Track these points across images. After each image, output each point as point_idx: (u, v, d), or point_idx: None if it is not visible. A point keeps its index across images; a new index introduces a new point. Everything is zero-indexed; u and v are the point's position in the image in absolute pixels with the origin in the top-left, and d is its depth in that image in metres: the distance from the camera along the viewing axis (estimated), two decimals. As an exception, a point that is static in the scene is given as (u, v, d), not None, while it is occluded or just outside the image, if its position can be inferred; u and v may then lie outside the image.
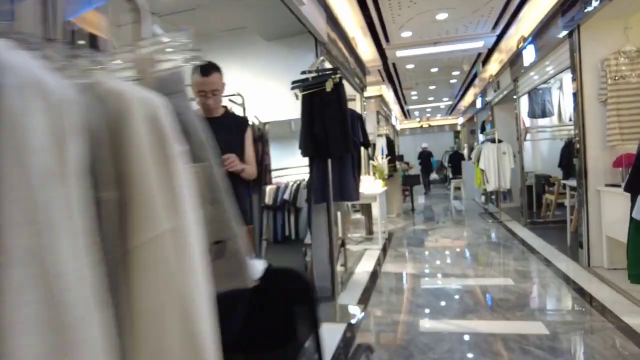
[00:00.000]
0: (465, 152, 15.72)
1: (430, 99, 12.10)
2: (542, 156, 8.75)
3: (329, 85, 3.01)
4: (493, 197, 8.63)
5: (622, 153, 3.79)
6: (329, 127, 3.15)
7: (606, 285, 3.65)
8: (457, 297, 3.64)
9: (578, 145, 4.22)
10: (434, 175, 18.85)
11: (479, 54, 7.50)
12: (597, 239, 4.09)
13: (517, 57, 6.17)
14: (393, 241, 6.38)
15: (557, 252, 4.95)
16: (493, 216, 7.95)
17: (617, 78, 3.91)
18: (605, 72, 3.94)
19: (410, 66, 8.22)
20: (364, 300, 3.70)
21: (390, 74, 8.53)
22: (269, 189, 4.10)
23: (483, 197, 8.49)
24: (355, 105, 7.14)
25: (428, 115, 17.60)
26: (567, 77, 6.66)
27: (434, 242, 6.17)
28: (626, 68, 3.90)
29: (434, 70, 8.80)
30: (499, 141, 7.51)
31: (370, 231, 6.79)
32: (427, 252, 5.49)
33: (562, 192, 6.28)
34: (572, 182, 4.94)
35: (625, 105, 3.89)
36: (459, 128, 18.97)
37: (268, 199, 3.99)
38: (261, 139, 4.09)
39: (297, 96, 3.16)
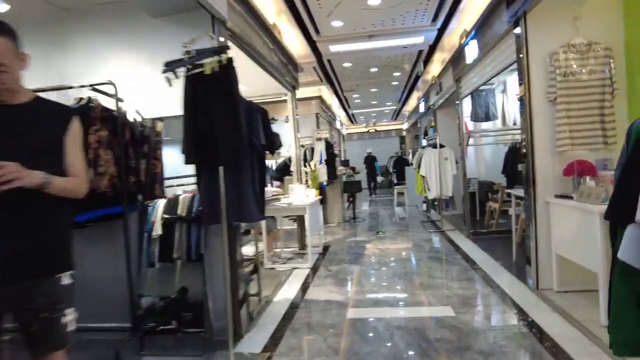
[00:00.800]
0: (409, 157, 15.49)
1: (374, 102, 11.63)
2: (485, 162, 8.45)
3: (208, 67, 2.21)
4: (435, 204, 8.20)
5: (574, 159, 3.30)
6: (217, 123, 2.35)
7: (558, 314, 3.11)
8: (387, 335, 2.95)
9: (525, 150, 3.71)
10: (379, 179, 18.58)
11: (420, 52, 7.02)
12: (546, 258, 3.58)
13: (459, 54, 5.69)
14: (327, 256, 5.67)
15: (502, 269, 4.45)
16: (435, 225, 7.50)
17: (566, 74, 3.43)
18: (554, 67, 3.45)
19: (347, 64, 7.61)
20: (273, 344, 2.92)
21: (328, 72, 7.88)
22: (162, 202, 3.22)
23: (424, 205, 8.03)
24: (286, 107, 6.39)
25: (374, 119, 17.26)
26: (511, 78, 6.40)
27: (370, 257, 5.52)
28: (576, 63, 3.43)
29: (374, 70, 8.26)
30: (441, 146, 7.07)
31: (303, 245, 6.04)
32: (361, 271, 4.82)
33: (506, 199, 5.89)
34: (518, 191, 4.47)
35: (576, 106, 3.42)
36: (404, 133, 18.83)
37: (166, 212, 3.11)
38: (146, 140, 3.21)
39: (169, 82, 2.33)
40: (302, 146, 8.24)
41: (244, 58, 3.95)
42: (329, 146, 8.10)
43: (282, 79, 5.34)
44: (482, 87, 6.24)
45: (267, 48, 4.54)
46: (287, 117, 6.39)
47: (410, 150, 16.40)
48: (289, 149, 6.47)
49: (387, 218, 9.18)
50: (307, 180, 6.39)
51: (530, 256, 3.71)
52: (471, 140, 6.51)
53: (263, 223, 5.15)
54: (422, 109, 10.59)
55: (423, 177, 7.15)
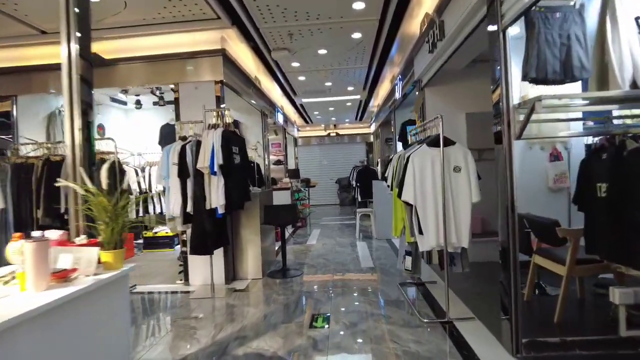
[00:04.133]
0: (378, 168, 11.90)
1: (328, 84, 7.96)
2: (529, 175, 4.90)
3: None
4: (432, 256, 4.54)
5: None
6: None
7: None
8: None
9: None
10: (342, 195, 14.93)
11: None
12: None
13: None
14: None
15: None
16: (430, 301, 3.85)
17: None
18: None
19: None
20: None
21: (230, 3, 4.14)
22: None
23: (406, 260, 4.22)
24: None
25: (334, 119, 13.64)
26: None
27: None
28: None
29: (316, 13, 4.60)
30: (448, 143, 3.43)
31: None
32: None
33: (588, 259, 2.33)
34: None
35: None
36: (371, 139, 15.35)
37: None
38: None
39: None
40: (185, 138, 4.45)
41: None
42: (230, 139, 4.32)
43: None
44: (554, 3, 2.67)
45: None
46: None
47: (379, 160, 12.90)
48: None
49: (342, 268, 5.44)
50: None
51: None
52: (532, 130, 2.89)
53: None
54: (397, 94, 7.02)
55: (408, 205, 3.47)
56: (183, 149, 4.34)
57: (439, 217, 3.35)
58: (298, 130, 14.16)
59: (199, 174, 4.26)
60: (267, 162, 8.00)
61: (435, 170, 3.38)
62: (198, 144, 4.34)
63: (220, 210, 4.24)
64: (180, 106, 4.97)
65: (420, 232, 3.40)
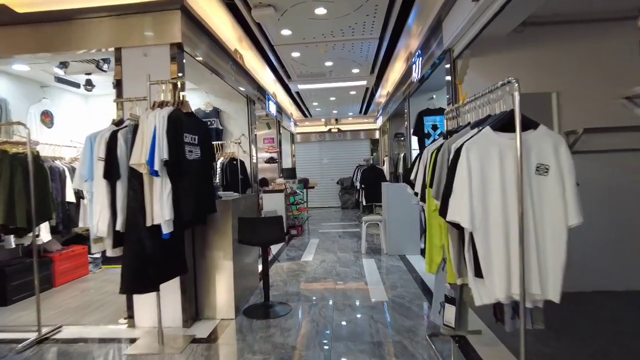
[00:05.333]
0: (385, 167, 10.51)
1: (328, 64, 6.56)
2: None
3: None
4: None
5: None
6: None
7: None
8: None
9: None
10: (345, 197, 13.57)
11: None
12: None
13: None
14: None
15: None
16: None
17: None
18: None
19: None
20: None
21: None
22: None
23: (446, 310, 2.78)
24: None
25: (335, 112, 12.23)
26: None
27: None
28: None
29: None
30: (529, 125, 2.04)
31: None
32: None
33: None
34: None
35: None
36: (376, 135, 13.96)
37: None
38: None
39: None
40: (121, 122, 3.09)
41: None
42: (183, 123, 2.94)
43: None
44: None
45: None
46: None
47: (386, 159, 11.50)
48: None
49: (345, 303, 4.07)
50: None
51: None
52: None
53: None
54: (415, 74, 5.63)
55: (457, 228, 2.09)
56: (113, 137, 2.97)
57: (512, 251, 1.97)
58: (296, 125, 12.78)
59: (135, 174, 2.89)
60: (254, 160, 6.63)
61: (505, 170, 2.00)
62: (136, 129, 2.97)
63: (166, 229, 2.87)
64: (124, 80, 3.60)
65: (478, 274, 2.02)
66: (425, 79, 5.52)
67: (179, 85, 3.33)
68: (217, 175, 5.95)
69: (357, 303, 3.97)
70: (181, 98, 3.22)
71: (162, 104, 3.12)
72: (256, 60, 6.20)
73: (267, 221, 3.74)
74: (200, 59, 4.07)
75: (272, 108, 8.00)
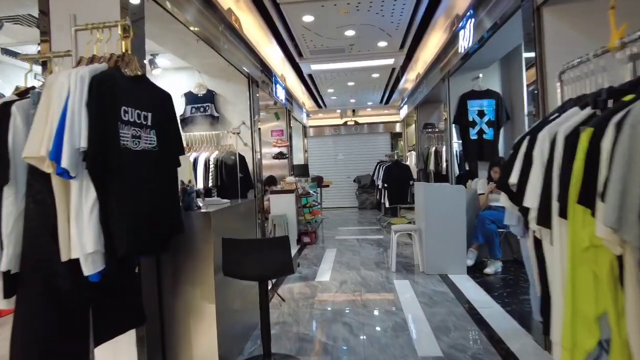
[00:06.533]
0: (411, 163, 9.20)
1: (349, 33, 5.24)
2: None
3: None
4: None
5: None
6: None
7: None
8: None
9: None
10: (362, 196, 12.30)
11: None
12: None
13: None
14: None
15: None
16: None
17: None
18: None
19: None
20: None
21: None
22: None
23: None
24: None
25: (352, 102, 10.94)
26: None
27: None
28: None
29: None
30: None
31: None
32: None
33: None
34: None
35: None
36: (397, 128, 12.65)
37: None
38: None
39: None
40: (25, 92, 1.88)
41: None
42: (120, 90, 1.74)
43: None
44: None
45: None
46: None
47: (410, 153, 10.18)
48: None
49: (378, 359, 2.83)
50: None
51: None
52: None
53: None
54: (464, 42, 4.34)
55: None
56: (4, 113, 1.77)
57: None
58: (308, 116, 11.56)
59: (37, 176, 1.69)
60: (258, 155, 5.44)
61: None
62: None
63: (89, 268, 1.67)
64: (52, 30, 2.40)
65: None
66: (476, 50, 4.25)
67: (128, 33, 2.11)
68: (210, 174, 4.76)
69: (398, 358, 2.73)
70: (123, 51, 2.01)
71: (92, 60, 1.93)
72: (258, 28, 4.97)
73: (266, 244, 2.52)
74: (170, 7, 2.86)
75: (281, 93, 6.78)
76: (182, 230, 2.18)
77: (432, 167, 7.44)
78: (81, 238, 1.67)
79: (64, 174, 1.60)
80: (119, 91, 1.77)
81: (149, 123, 1.97)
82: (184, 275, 2.51)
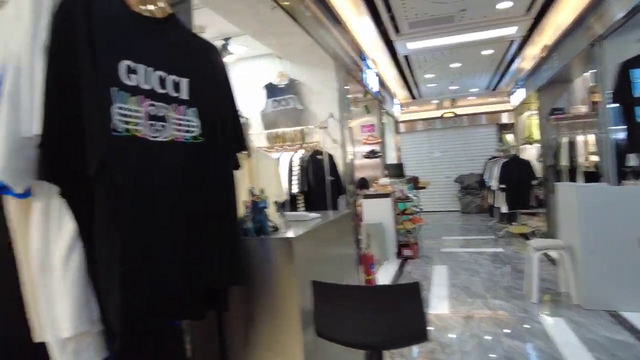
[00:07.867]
0: (533, 159, 7.58)
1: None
2: None
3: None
4: None
5: None
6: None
7: None
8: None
9: None
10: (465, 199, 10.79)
11: None
12: None
13: None
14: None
15: None
16: None
17: None
18: None
19: None
20: None
21: None
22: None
23: None
24: None
25: (453, 88, 9.51)
26: None
27: None
28: None
29: None
30: None
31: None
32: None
33: None
34: None
35: None
36: (504, 119, 10.92)
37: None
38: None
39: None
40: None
41: None
42: (80, 22, 0.92)
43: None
44: None
45: None
46: None
47: (527, 146, 8.48)
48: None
49: None
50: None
51: None
52: None
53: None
54: (620, 11, 2.98)
55: None
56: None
57: None
58: (402, 108, 10.42)
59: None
60: (351, 155, 4.56)
61: None
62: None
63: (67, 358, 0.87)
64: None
65: None
66: None
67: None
68: (295, 179, 3.96)
69: None
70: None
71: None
72: (348, -1, 4.06)
73: (384, 294, 1.57)
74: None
75: (372, 81, 5.81)
76: (242, 279, 1.32)
77: (564, 162, 5.93)
78: (51, 309, 0.88)
79: (2, 189, 0.82)
80: (115, 31, 0.96)
81: (184, 96, 1.13)
82: (256, 335, 1.66)
